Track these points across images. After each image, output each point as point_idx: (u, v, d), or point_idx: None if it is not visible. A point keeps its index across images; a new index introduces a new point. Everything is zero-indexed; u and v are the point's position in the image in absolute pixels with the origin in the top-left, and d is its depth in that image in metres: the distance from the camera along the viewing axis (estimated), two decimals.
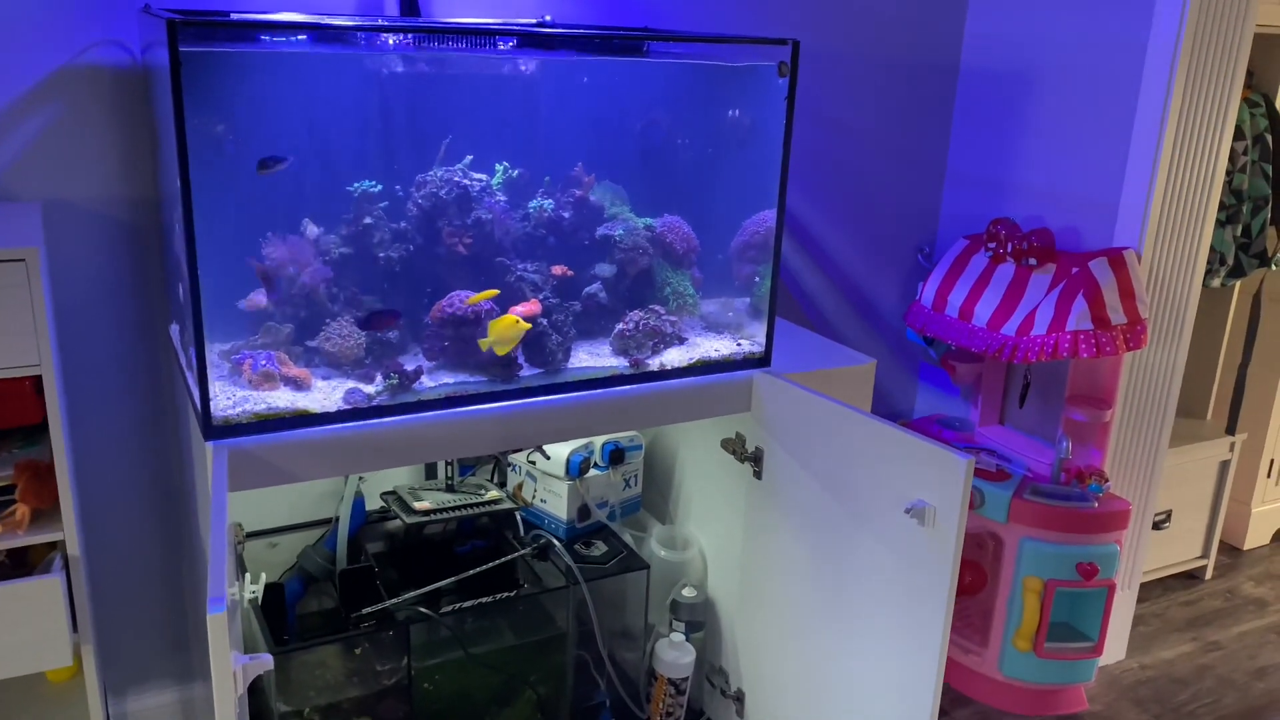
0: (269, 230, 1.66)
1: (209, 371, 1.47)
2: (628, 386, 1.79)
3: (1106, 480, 2.35)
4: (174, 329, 1.88)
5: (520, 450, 2.11)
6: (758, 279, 1.92)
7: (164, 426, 2.04)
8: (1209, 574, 3.14)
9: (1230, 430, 3.02)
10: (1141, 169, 2.26)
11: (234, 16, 1.81)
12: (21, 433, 1.74)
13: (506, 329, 1.65)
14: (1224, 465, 3.02)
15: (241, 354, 1.59)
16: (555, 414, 1.73)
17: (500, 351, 1.66)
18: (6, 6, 1.74)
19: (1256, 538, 3.34)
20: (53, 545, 1.64)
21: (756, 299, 1.96)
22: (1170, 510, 2.97)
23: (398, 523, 2.07)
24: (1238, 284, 3.03)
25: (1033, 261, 2.36)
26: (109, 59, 1.84)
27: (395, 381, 1.63)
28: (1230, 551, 3.31)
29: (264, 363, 1.58)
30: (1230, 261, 2.80)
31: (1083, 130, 2.41)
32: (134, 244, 1.93)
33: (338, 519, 2.02)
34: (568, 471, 2.05)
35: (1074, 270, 2.27)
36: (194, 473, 1.75)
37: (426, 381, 1.67)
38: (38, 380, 1.60)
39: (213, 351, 1.61)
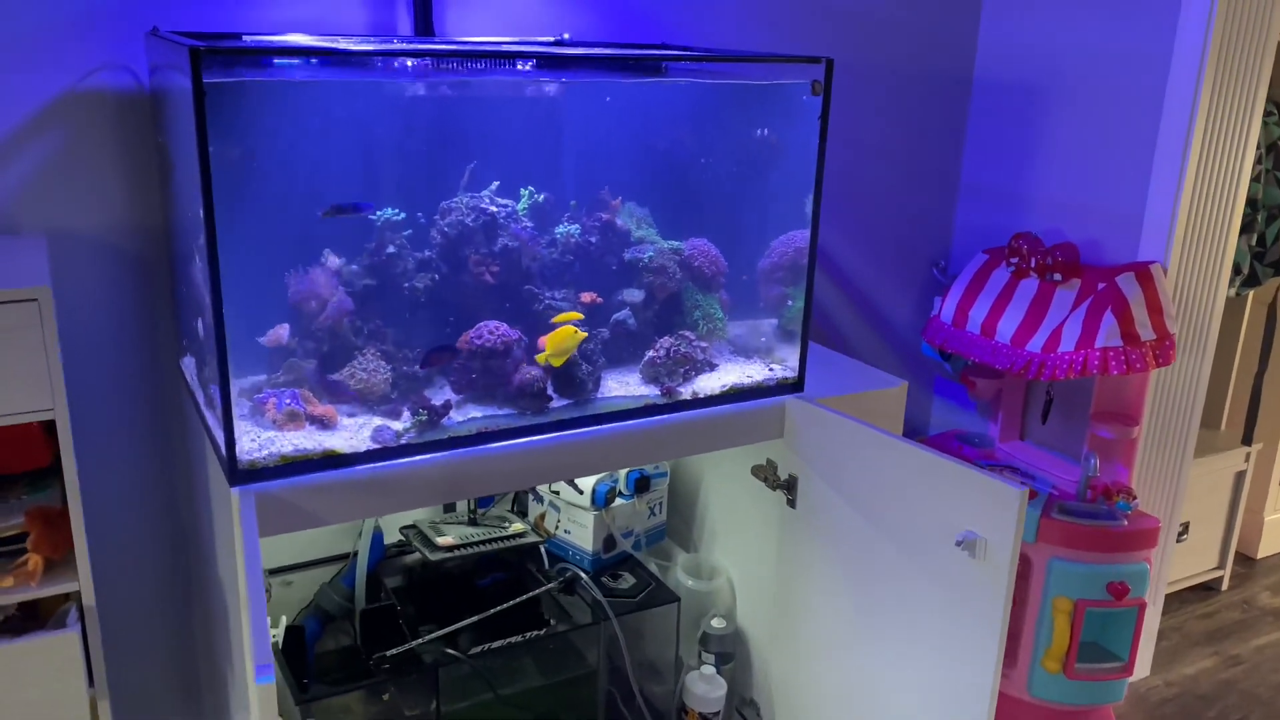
0: (288, 261, 1.60)
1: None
2: (661, 417, 1.73)
3: (1135, 497, 2.31)
4: (186, 362, 1.80)
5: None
6: (790, 301, 1.87)
7: (172, 464, 1.97)
8: (1225, 585, 3.12)
9: (1247, 440, 3.00)
10: (1167, 181, 2.23)
11: (247, 39, 1.75)
12: (27, 477, 1.66)
13: (565, 340, 1.60)
14: (1240, 476, 3.00)
15: (265, 393, 1.52)
16: (588, 447, 1.67)
17: (557, 363, 1.61)
18: (6, 30, 1.66)
19: (1270, 546, 3.32)
20: (65, 596, 1.56)
21: (786, 321, 1.91)
22: (1188, 522, 2.94)
23: (416, 556, 2.00)
24: (1251, 293, 3.01)
25: (1057, 277, 2.32)
26: (113, 83, 1.76)
27: (424, 418, 1.56)
28: (1244, 561, 3.29)
29: (288, 401, 1.51)
30: (1245, 270, 2.78)
31: (1103, 142, 2.38)
32: (140, 274, 1.85)
33: (355, 555, 1.95)
34: (593, 501, 1.99)
35: (1100, 286, 2.24)
36: (211, 516, 1.67)
37: (455, 416, 1.61)
38: (46, 421, 1.52)
39: (233, 389, 1.54)
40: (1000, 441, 2.66)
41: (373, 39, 1.90)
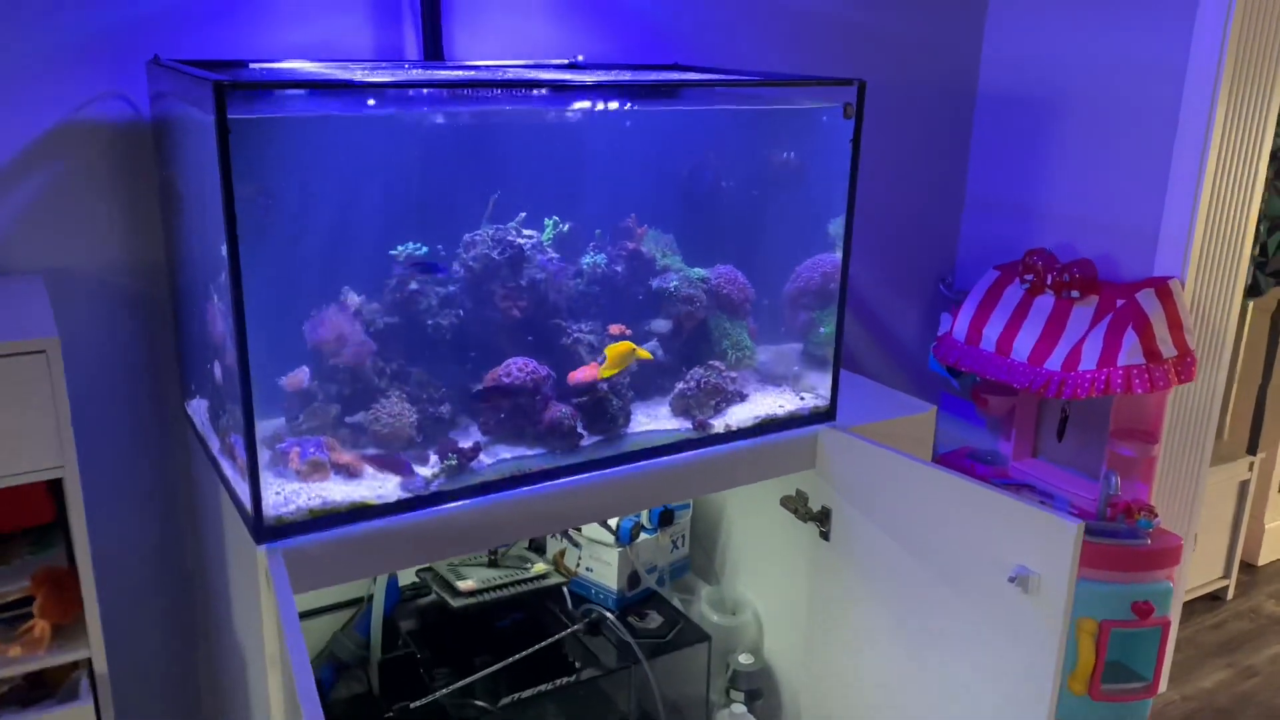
0: (306, 301, 1.52)
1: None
2: (694, 452, 1.67)
3: (1156, 515, 2.29)
4: (194, 405, 1.72)
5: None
6: (821, 328, 1.81)
7: (178, 514, 1.87)
8: (1230, 594, 3.12)
9: (1251, 450, 3.00)
10: (1183, 194, 2.21)
11: (254, 67, 1.66)
12: (29, 534, 1.56)
13: (625, 356, 1.54)
14: (1244, 485, 3.00)
15: (287, 441, 1.44)
16: (622, 486, 1.61)
17: (607, 374, 1.60)
18: None
19: (1271, 553, 3.33)
20: (74, 663, 1.47)
21: (814, 347, 1.86)
22: (1195, 533, 2.93)
23: (433, 598, 1.93)
24: (1253, 303, 3.01)
25: (1075, 294, 2.29)
26: (111, 113, 1.67)
27: (454, 463, 1.49)
28: (1246, 569, 3.29)
29: (313, 450, 1.43)
30: (1248, 280, 2.78)
31: (1115, 155, 2.35)
32: (141, 313, 1.76)
33: (370, 600, 1.87)
34: (618, 538, 1.93)
35: (1119, 302, 2.21)
36: (228, 572, 1.59)
37: (484, 458, 1.54)
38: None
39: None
40: (1014, 459, 2.63)
41: (382, 64, 1.82)
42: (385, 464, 1.48)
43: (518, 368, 1.56)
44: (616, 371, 1.60)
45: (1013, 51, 2.57)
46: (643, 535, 1.98)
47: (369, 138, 1.54)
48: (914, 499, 1.64)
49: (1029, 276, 2.38)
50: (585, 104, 1.66)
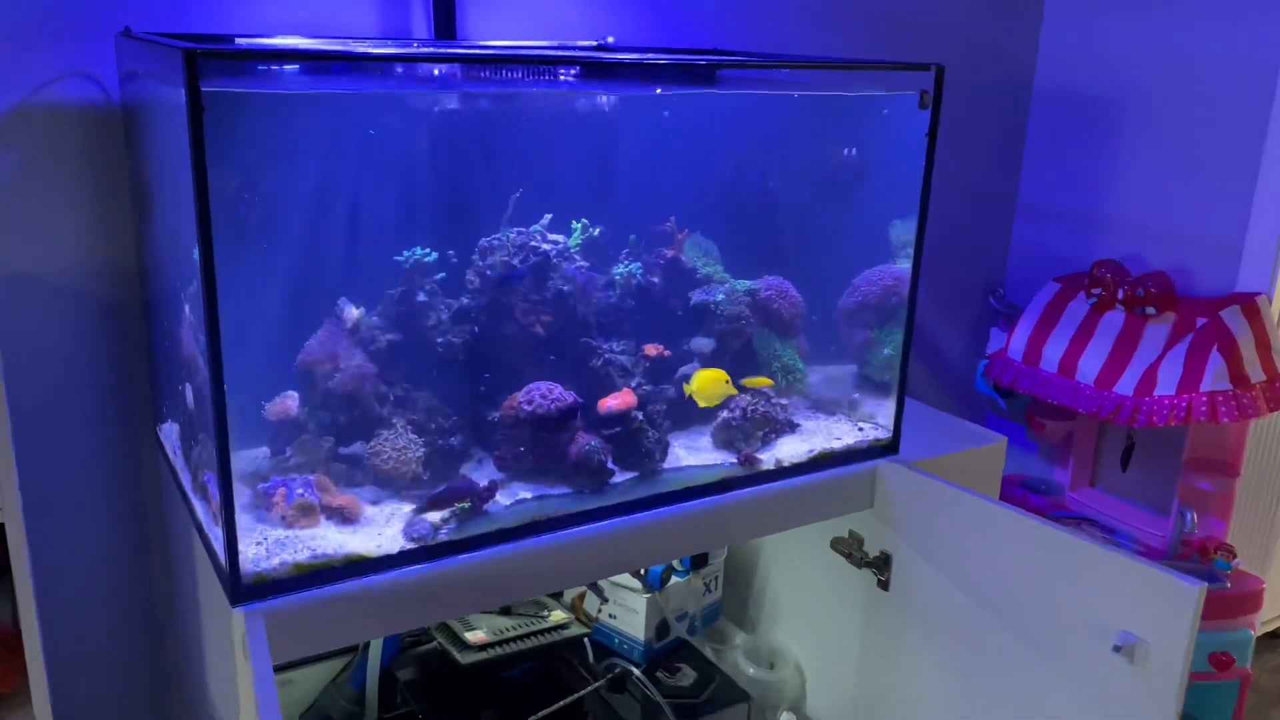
0: (296, 313, 1.30)
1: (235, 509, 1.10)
2: (741, 492, 1.45)
3: (1234, 555, 2.07)
4: (165, 430, 1.50)
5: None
6: (887, 350, 1.60)
7: (147, 553, 1.65)
8: None
9: None
10: (1273, 204, 2.00)
11: (241, 42, 1.45)
12: None
13: (715, 387, 1.34)
14: None
15: (272, 480, 1.23)
16: (659, 531, 1.39)
17: (702, 403, 1.43)
18: None
19: None
20: None
21: (874, 370, 1.65)
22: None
23: (435, 645, 1.71)
24: None
25: (1149, 310, 2.08)
26: (76, 95, 1.46)
27: (466, 506, 1.27)
28: None
29: (300, 491, 1.21)
30: None
31: (1192, 160, 2.14)
32: (109, 325, 1.54)
33: (365, 650, 1.65)
34: (647, 583, 1.71)
35: (1200, 321, 2.00)
36: (201, 627, 1.37)
37: (501, 499, 1.32)
38: None
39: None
40: (1070, 489, 2.41)
41: (387, 43, 1.61)
42: (450, 495, 1.28)
43: (540, 394, 1.35)
44: (705, 404, 1.41)
45: (1073, 45, 2.35)
46: (674, 579, 1.76)
47: (369, 123, 1.32)
48: (991, 547, 1.43)
49: (1096, 290, 2.16)
50: (617, 89, 1.45)
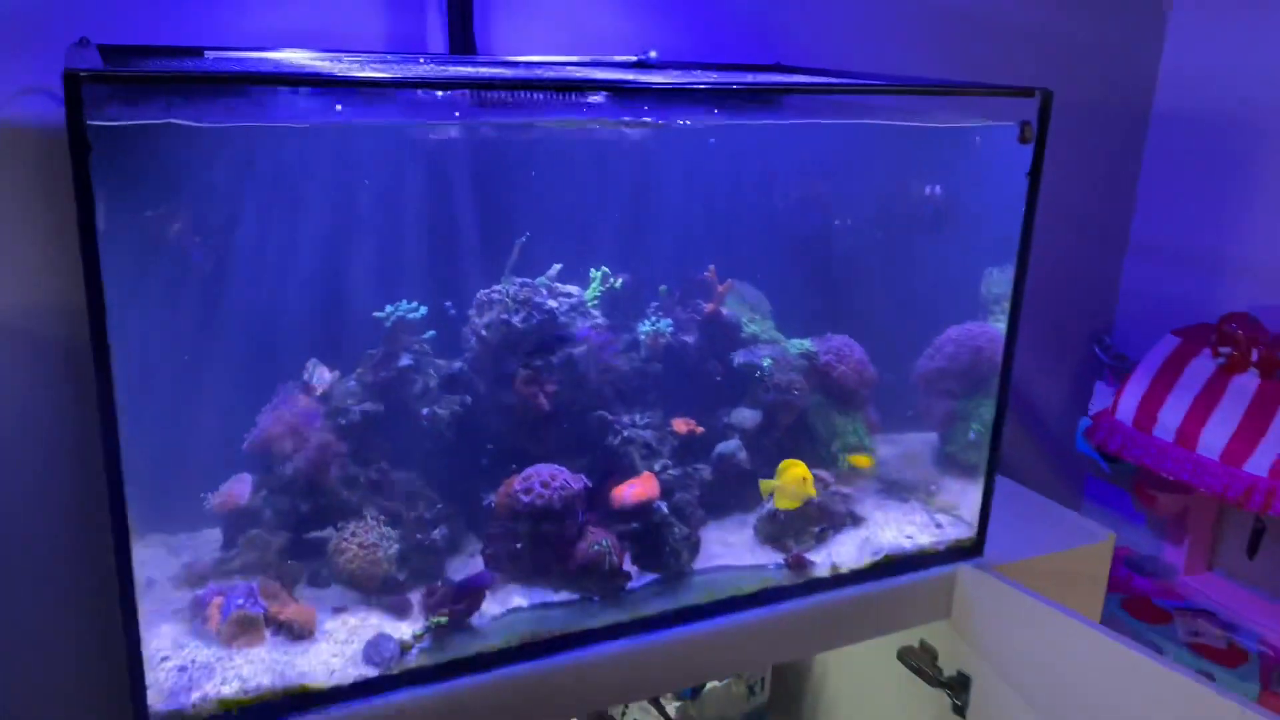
0: (249, 378, 1.09)
1: (146, 655, 0.89)
2: (787, 604, 1.19)
3: None
4: None
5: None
6: (974, 432, 1.33)
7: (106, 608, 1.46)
8: None
9: None
10: None
11: (210, 56, 1.24)
12: None
13: (802, 488, 1.14)
14: None
15: (207, 588, 1.01)
16: (686, 649, 1.15)
17: (781, 504, 1.20)
18: None
19: None
20: None
21: (957, 449, 1.38)
22: None
23: None
24: None
25: None
26: (34, 113, 1.27)
27: (444, 620, 1.05)
28: None
29: (241, 602, 1.00)
30: None
31: None
32: (64, 372, 1.35)
33: None
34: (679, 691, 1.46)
35: None
36: None
37: (491, 608, 1.09)
38: None
39: (161, 574, 1.04)
40: (1184, 573, 2.08)
41: (389, 57, 1.39)
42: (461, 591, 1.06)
43: (542, 481, 1.11)
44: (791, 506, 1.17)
45: (1200, 61, 2.03)
46: (711, 683, 1.51)
47: (347, 153, 1.11)
48: (1090, 679, 1.15)
49: (1226, 349, 1.84)
50: (660, 115, 1.21)
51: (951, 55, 1.83)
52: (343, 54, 1.36)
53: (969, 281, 1.38)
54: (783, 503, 1.20)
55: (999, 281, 1.34)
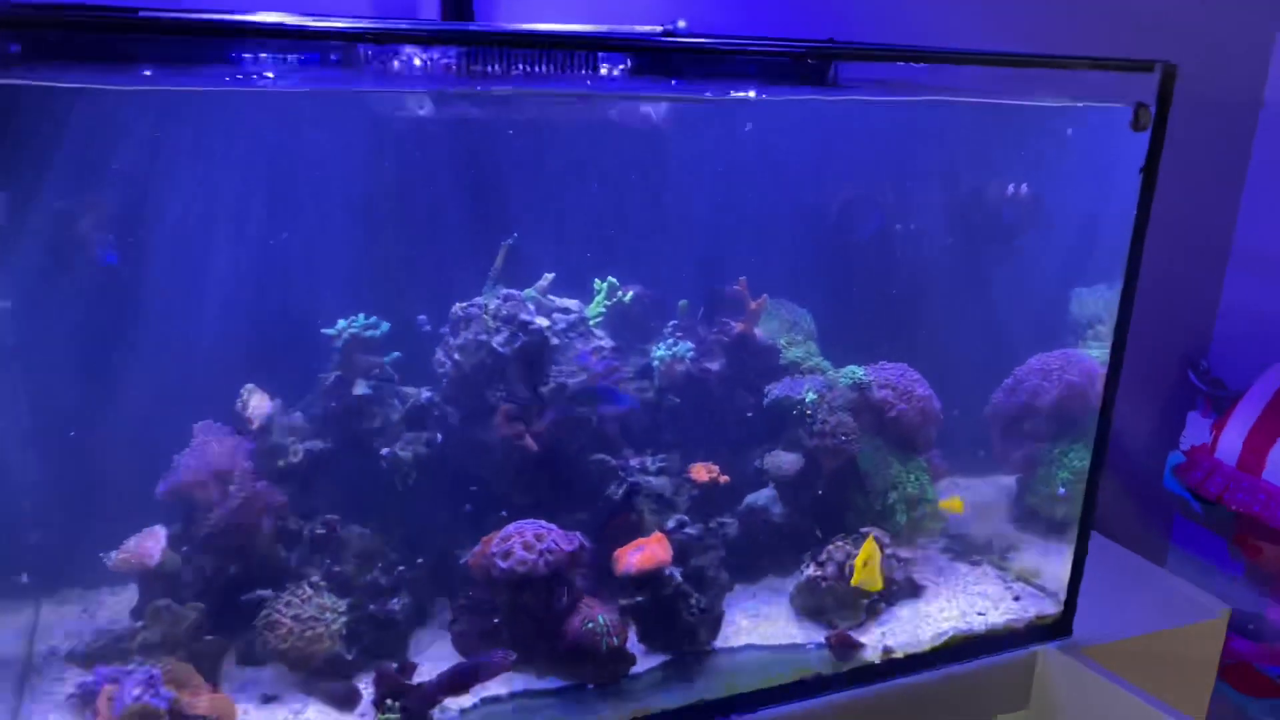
0: (177, 405, 0.89)
1: None
2: (831, 696, 0.96)
3: None
4: None
5: None
6: (1062, 482, 1.09)
7: None
8: None
9: None
10: None
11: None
12: None
13: (875, 569, 0.95)
14: None
15: (96, 673, 0.81)
16: None
17: (871, 587, 1.00)
18: None
19: None
20: None
21: (1038, 501, 1.14)
22: None
23: None
24: None
25: None
26: None
27: (394, 716, 0.83)
28: None
29: (139, 692, 0.79)
30: None
31: None
32: None
33: None
34: None
35: None
36: None
37: (459, 701, 0.88)
38: None
39: (43, 650, 0.84)
40: None
41: (365, 23, 1.19)
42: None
43: (524, 542, 0.89)
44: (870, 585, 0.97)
45: None
46: None
47: (291, 129, 0.90)
48: None
49: None
50: (686, 89, 0.99)
51: (1031, 32, 1.58)
52: (321, 18, 1.15)
53: (1055, 298, 1.15)
54: (875, 587, 0.97)
55: (1092, 302, 1.10)
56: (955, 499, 1.09)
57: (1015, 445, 1.16)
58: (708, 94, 1.02)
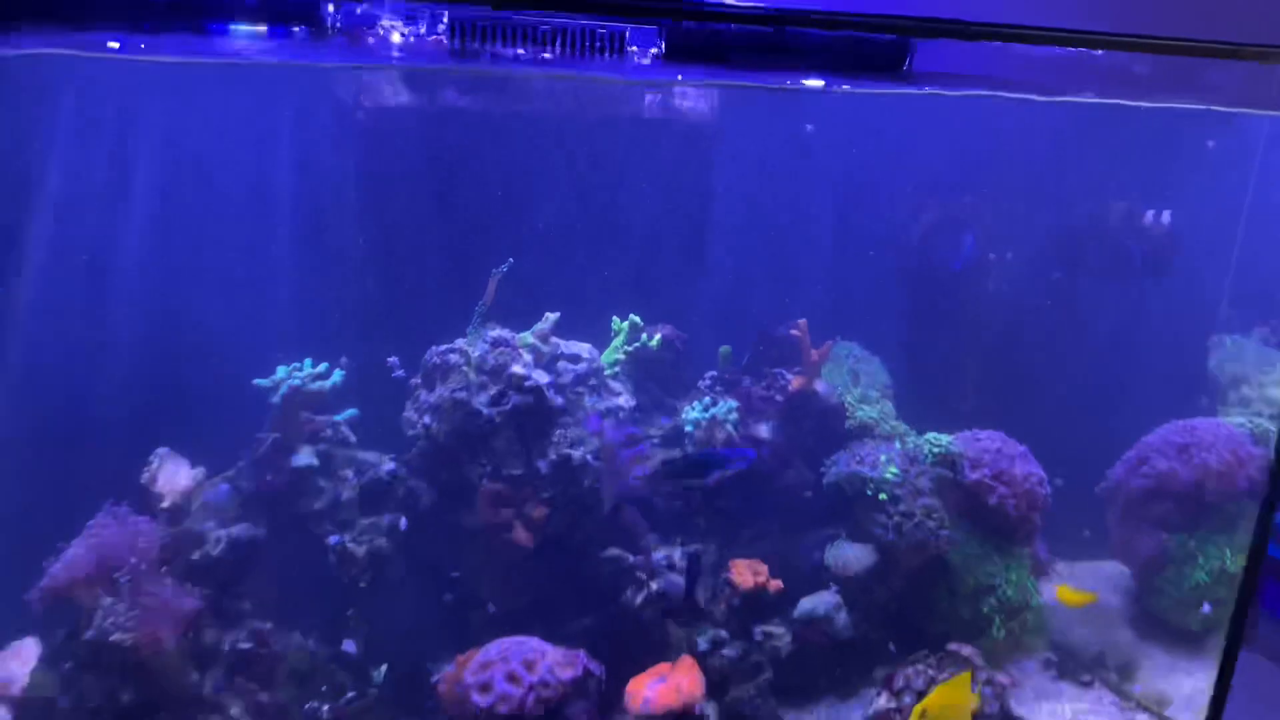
0: (66, 475, 0.69)
1: None
2: None
3: None
4: None
5: None
6: (1199, 583, 0.85)
7: None
8: None
9: None
10: None
11: None
12: None
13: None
14: None
15: None
16: None
17: None
18: None
19: None
20: None
21: (1167, 608, 0.90)
22: None
23: None
24: None
25: None
26: None
27: None
28: None
29: None
30: None
31: None
32: None
33: None
34: None
35: None
36: None
37: None
38: None
39: None
40: None
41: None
42: None
43: (508, 673, 0.67)
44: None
45: None
46: None
47: (240, 119, 0.70)
48: None
49: None
50: (721, 75, 0.77)
51: (1156, 12, 1.34)
52: None
53: (1191, 349, 0.91)
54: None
55: (1237, 358, 0.87)
56: (1081, 592, 0.86)
57: (1137, 532, 0.93)
58: (749, 80, 0.80)
